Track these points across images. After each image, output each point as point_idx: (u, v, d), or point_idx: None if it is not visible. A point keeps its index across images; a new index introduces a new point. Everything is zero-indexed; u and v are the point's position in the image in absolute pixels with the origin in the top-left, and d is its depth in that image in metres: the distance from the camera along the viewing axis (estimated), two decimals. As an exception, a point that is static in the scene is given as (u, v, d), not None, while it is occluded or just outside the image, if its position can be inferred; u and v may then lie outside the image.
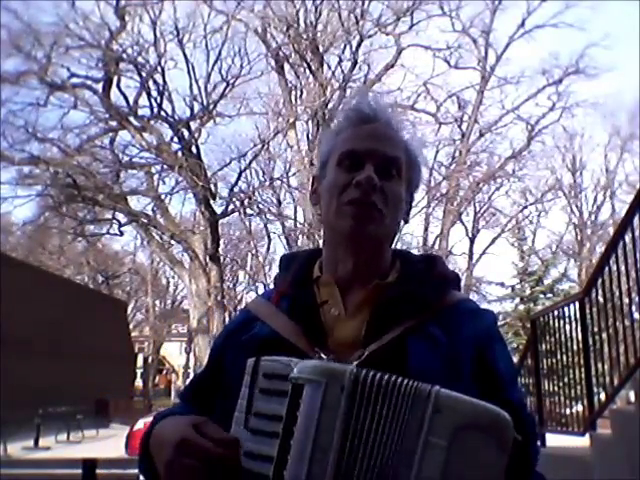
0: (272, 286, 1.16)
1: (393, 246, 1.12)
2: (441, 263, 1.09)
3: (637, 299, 4.84)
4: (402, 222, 1.10)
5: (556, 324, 5.14)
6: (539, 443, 4.30)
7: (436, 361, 0.93)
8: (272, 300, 1.08)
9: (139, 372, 34.33)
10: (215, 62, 20.97)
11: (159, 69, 20.66)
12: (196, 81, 20.90)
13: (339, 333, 0.98)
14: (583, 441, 4.33)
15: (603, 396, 4.51)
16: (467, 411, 0.77)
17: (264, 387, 0.83)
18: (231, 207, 21.42)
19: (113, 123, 20.95)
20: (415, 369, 0.89)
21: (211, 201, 20.06)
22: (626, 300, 4.29)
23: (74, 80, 20.63)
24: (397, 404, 0.78)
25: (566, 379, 5.06)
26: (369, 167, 1.01)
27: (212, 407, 1.00)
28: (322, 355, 0.93)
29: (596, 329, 4.55)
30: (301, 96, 21.47)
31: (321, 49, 20.90)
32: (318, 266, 1.10)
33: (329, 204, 1.04)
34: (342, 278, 1.04)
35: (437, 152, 24.41)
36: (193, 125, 21.03)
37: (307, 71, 20.98)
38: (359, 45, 21.35)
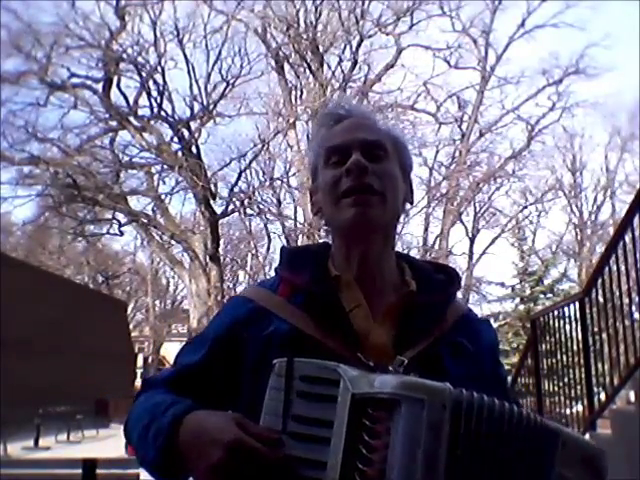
0: (271, 276, 1.12)
1: (396, 245, 1.12)
2: (459, 277, 1.12)
3: (637, 299, 4.84)
4: (406, 205, 1.11)
5: (556, 324, 5.14)
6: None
7: (468, 369, 0.96)
8: (279, 293, 1.04)
9: (139, 372, 34.31)
10: (215, 62, 21.05)
11: (159, 69, 20.72)
12: (196, 81, 20.97)
13: (372, 338, 0.98)
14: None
15: (603, 396, 4.51)
16: (584, 446, 0.87)
17: (303, 390, 0.81)
18: (231, 207, 21.47)
19: (113, 123, 20.98)
20: (452, 378, 0.88)
21: (211, 201, 20.08)
22: (626, 300, 4.29)
23: (74, 80, 20.70)
24: (511, 430, 0.79)
25: (566, 379, 5.06)
26: (356, 154, 1.01)
27: (210, 398, 0.97)
28: (365, 360, 0.91)
29: (596, 329, 4.55)
30: (301, 96, 21.47)
31: (321, 49, 20.91)
32: (331, 264, 1.07)
33: (327, 202, 1.04)
34: (360, 279, 1.03)
35: (437, 152, 24.47)
36: (193, 125, 21.09)
37: (307, 71, 20.99)
38: (359, 45, 21.39)
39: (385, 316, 1.00)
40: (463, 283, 1.22)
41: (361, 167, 0.99)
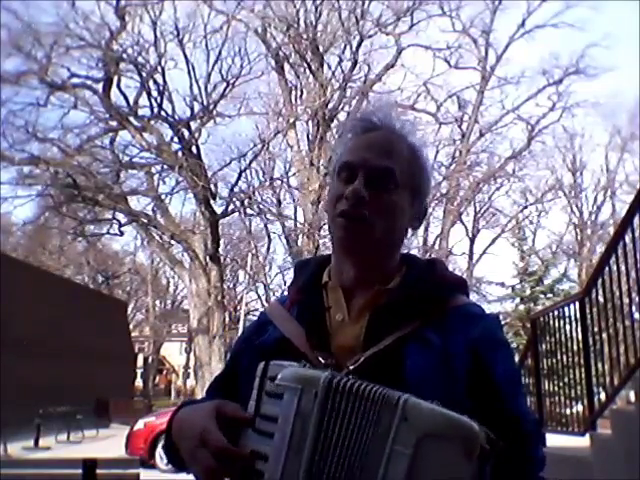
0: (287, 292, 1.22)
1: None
2: (441, 266, 1.11)
3: (637, 299, 4.84)
4: (409, 229, 1.12)
5: (556, 324, 5.15)
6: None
7: (432, 367, 0.94)
8: (286, 305, 1.13)
9: (139, 372, 34.32)
10: (215, 62, 20.97)
11: (159, 69, 20.66)
12: (196, 81, 20.91)
13: (341, 337, 1.02)
14: (583, 441, 4.33)
15: (603, 396, 4.51)
16: (433, 420, 0.76)
17: (269, 390, 0.87)
18: (231, 207, 21.41)
19: (113, 123, 20.93)
20: (412, 375, 0.92)
21: (211, 201, 20.05)
22: (626, 300, 4.30)
23: (74, 80, 20.63)
24: (366, 411, 0.80)
25: (566, 379, 5.06)
26: (360, 179, 1.02)
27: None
28: (320, 359, 0.97)
29: (596, 329, 4.55)
30: (301, 96, 21.48)
31: (321, 49, 20.90)
32: (327, 272, 1.13)
33: (329, 214, 1.09)
34: (346, 283, 1.07)
35: (437, 152, 24.43)
36: (193, 125, 21.03)
37: (307, 71, 20.98)
38: (359, 45, 21.36)
39: (358, 314, 1.03)
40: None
41: (357, 198, 1.02)
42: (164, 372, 42.51)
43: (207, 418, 0.90)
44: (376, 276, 1.07)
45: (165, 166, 20.57)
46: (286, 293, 1.20)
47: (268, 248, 26.30)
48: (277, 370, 0.87)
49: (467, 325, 1.00)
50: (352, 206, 1.02)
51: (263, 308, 1.25)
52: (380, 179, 1.03)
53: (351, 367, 0.95)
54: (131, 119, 20.71)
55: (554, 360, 5.31)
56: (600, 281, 4.30)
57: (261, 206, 21.57)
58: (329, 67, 21.65)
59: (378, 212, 1.02)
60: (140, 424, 11.08)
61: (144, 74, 20.69)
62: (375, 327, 1.00)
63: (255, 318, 1.22)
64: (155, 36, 20.31)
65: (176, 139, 20.81)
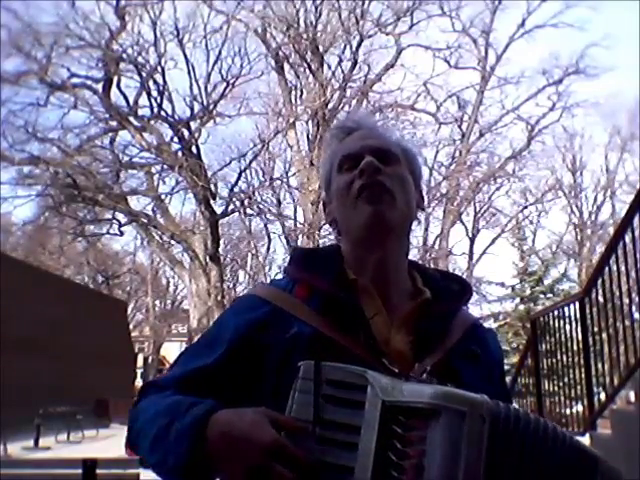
0: (279, 277, 1.13)
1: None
2: (470, 286, 1.15)
3: (637, 299, 4.84)
4: (418, 210, 1.11)
5: (556, 324, 5.14)
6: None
7: (481, 377, 0.99)
8: (296, 294, 1.03)
9: (139, 372, 34.30)
10: (215, 62, 21.06)
11: (159, 69, 20.73)
12: (196, 81, 20.97)
13: (394, 345, 0.99)
14: (583, 441, 4.32)
15: (603, 396, 4.51)
16: (618, 476, 0.88)
17: (329, 394, 0.80)
18: (231, 207, 21.46)
19: (113, 123, 20.98)
20: (469, 385, 0.89)
21: (211, 201, 20.09)
22: (626, 300, 4.30)
23: (74, 80, 20.71)
24: (550, 447, 0.79)
25: (566, 379, 5.06)
26: (368, 157, 1.03)
27: (225, 401, 0.90)
28: (389, 367, 0.91)
29: (596, 329, 4.55)
30: (301, 96, 21.50)
31: (321, 49, 20.92)
32: (347, 267, 1.06)
33: (341, 205, 1.06)
34: (376, 284, 1.03)
35: (437, 152, 24.46)
36: (193, 125, 21.10)
37: (307, 71, 21.00)
38: (359, 45, 21.39)
39: (402, 323, 1.01)
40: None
41: (373, 167, 1.02)
42: (164, 372, 42.49)
43: (268, 429, 0.79)
44: (395, 274, 1.05)
45: (165, 166, 20.62)
46: (280, 277, 1.11)
47: (268, 248, 26.31)
48: (338, 374, 0.80)
49: (489, 338, 1.13)
50: (370, 177, 1.01)
51: (255, 291, 1.09)
52: (384, 157, 1.05)
53: (416, 376, 0.91)
54: (131, 119, 20.76)
55: (554, 360, 5.30)
56: (600, 281, 4.30)
57: (261, 206, 21.60)
58: (329, 67, 21.71)
59: (394, 181, 1.03)
60: (140, 424, 11.05)
61: (144, 74, 20.74)
62: (425, 337, 1.00)
63: (251, 301, 1.05)
64: (155, 36, 20.39)
65: (176, 139, 20.88)
